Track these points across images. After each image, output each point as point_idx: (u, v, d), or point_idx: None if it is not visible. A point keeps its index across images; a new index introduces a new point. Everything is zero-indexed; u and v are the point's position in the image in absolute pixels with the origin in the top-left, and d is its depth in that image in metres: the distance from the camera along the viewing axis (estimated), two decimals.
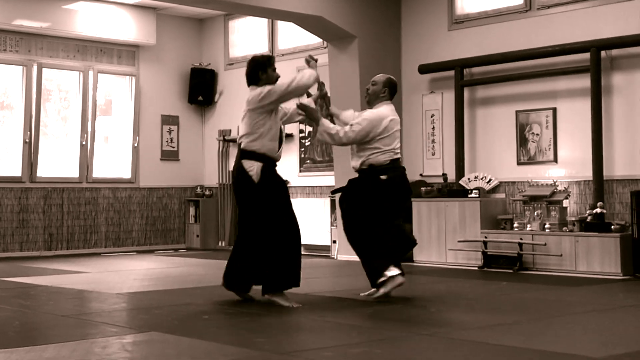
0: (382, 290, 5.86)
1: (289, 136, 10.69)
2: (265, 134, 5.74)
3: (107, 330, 4.73)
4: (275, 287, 5.72)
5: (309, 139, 10.86)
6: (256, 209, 5.75)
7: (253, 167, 5.71)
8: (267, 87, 5.73)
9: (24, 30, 10.58)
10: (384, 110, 6.10)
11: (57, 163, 11.09)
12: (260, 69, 5.81)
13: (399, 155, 6.13)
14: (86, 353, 4.05)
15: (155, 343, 4.35)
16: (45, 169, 10.88)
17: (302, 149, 10.99)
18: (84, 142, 11.13)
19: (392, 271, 5.82)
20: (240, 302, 5.90)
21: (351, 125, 6.00)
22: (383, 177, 5.97)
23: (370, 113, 6.09)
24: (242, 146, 5.80)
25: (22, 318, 5.32)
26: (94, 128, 11.22)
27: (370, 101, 6.23)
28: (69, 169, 11.15)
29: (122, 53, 11.59)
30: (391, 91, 6.23)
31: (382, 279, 5.82)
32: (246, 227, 5.84)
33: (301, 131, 10.96)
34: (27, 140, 10.66)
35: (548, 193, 8.28)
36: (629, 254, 7.59)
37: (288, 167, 10.55)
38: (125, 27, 11.36)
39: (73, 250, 11.04)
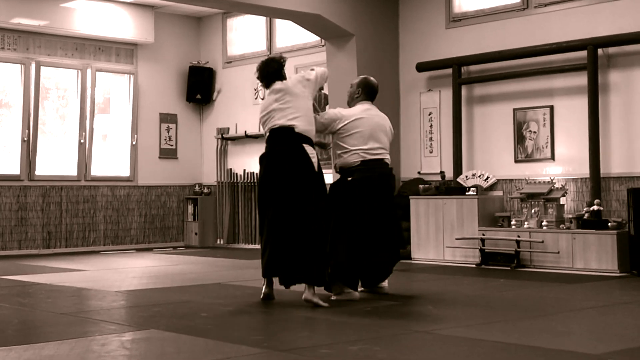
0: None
1: None
2: (313, 122, 5.86)
3: (106, 328, 4.74)
4: (323, 279, 5.56)
5: None
6: (314, 196, 5.66)
7: (314, 155, 5.72)
8: (304, 72, 5.95)
9: (22, 29, 10.58)
10: (352, 110, 6.18)
11: (56, 161, 11.09)
12: (283, 68, 5.94)
13: (377, 156, 6.06)
14: (85, 351, 4.06)
15: (154, 340, 4.36)
16: (44, 167, 10.88)
17: None
18: (82, 141, 11.14)
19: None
20: (239, 301, 5.92)
21: (322, 114, 6.16)
22: (349, 178, 6.01)
23: (336, 110, 6.19)
24: (297, 130, 5.65)
25: (20, 316, 5.34)
26: (92, 126, 11.22)
27: (348, 103, 6.33)
28: (68, 167, 11.15)
29: (121, 51, 11.59)
30: (366, 91, 6.24)
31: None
32: (296, 212, 5.60)
33: None
34: (25, 139, 10.66)
35: (545, 191, 8.30)
36: (626, 251, 7.61)
37: None
38: (124, 25, 11.36)
39: (71, 249, 11.05)
